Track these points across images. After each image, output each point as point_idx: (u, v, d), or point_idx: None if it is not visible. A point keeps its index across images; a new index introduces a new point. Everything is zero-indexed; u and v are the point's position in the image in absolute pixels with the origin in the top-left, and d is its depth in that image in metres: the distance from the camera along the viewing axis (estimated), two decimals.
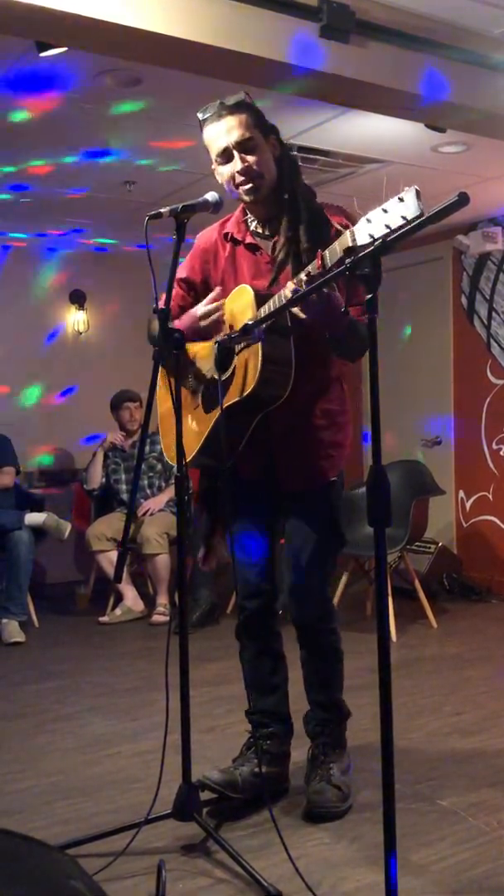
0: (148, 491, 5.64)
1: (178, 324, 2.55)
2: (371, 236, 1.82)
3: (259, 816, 2.55)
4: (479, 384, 5.99)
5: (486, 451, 5.97)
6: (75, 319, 6.69)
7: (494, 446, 5.90)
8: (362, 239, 1.86)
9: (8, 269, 6.40)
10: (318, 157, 4.42)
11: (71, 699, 3.86)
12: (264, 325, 2.33)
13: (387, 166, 4.60)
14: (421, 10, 3.13)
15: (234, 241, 2.60)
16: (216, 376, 2.48)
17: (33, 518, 5.23)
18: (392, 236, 1.76)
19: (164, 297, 2.35)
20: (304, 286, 2.14)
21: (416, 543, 5.61)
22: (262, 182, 2.46)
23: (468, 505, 6.12)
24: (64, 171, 4.59)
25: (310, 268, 2.15)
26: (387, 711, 1.76)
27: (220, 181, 2.52)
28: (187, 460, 2.62)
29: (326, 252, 2.09)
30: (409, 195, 1.72)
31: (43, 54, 3.00)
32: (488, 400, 5.93)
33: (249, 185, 2.45)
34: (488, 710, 3.51)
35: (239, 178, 2.45)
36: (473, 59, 3.34)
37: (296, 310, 2.24)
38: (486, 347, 5.93)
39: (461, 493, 6.16)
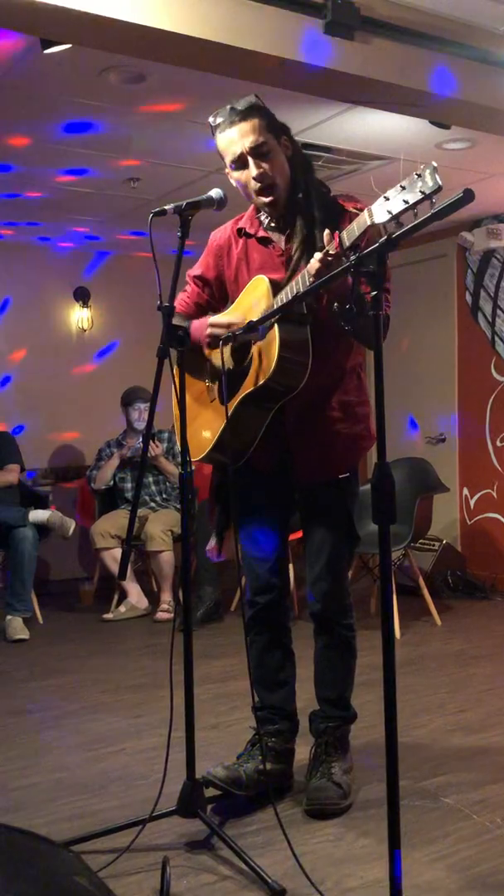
0: (153, 488, 5.64)
1: (194, 324, 2.58)
2: (389, 212, 1.81)
3: (263, 813, 2.55)
4: (483, 381, 5.98)
5: (490, 448, 5.96)
6: (79, 317, 6.69)
7: (499, 443, 5.90)
8: (380, 216, 1.85)
9: (10, 267, 6.40)
10: (321, 153, 4.41)
11: (75, 696, 3.86)
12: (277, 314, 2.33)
13: (391, 163, 4.59)
14: (426, 7, 3.12)
15: (247, 235, 2.60)
16: (231, 367, 2.49)
17: (37, 515, 5.24)
18: (410, 216, 1.74)
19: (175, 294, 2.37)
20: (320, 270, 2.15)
21: (420, 541, 5.61)
22: (278, 186, 2.45)
23: (472, 502, 6.11)
24: (68, 167, 4.59)
25: (329, 248, 2.15)
26: (391, 708, 1.76)
27: (234, 185, 2.52)
28: (203, 456, 2.63)
29: (344, 233, 2.09)
30: (427, 171, 1.71)
31: (47, 51, 2.99)
32: (493, 397, 5.92)
33: (266, 191, 2.45)
34: (492, 708, 3.51)
35: (255, 185, 2.44)
36: (478, 56, 3.33)
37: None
38: (491, 344, 5.92)
39: (465, 491, 6.16)
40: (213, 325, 2.50)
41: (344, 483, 2.62)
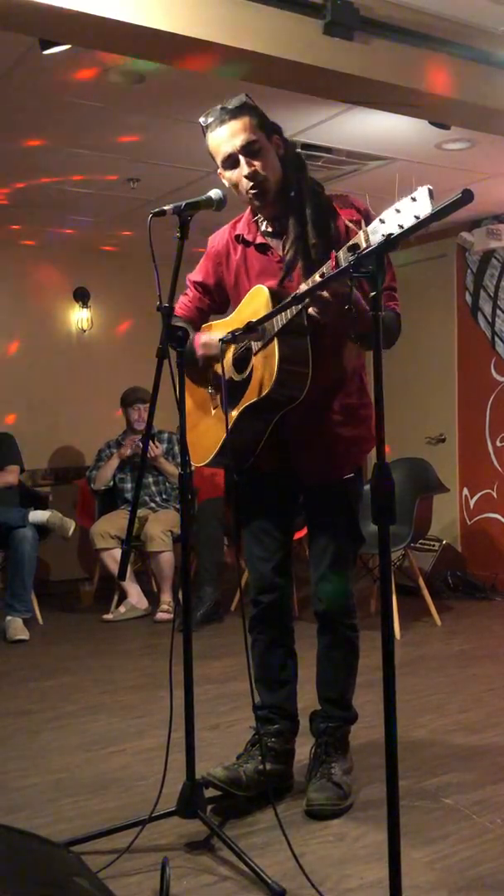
0: (153, 489, 5.64)
1: (199, 336, 2.61)
2: (384, 237, 1.82)
3: (263, 814, 2.55)
4: (483, 381, 5.98)
5: (490, 448, 5.96)
6: (79, 317, 6.69)
7: (499, 443, 5.90)
8: (376, 241, 1.85)
9: (11, 266, 6.40)
10: (321, 154, 4.41)
11: (75, 697, 3.86)
12: (280, 325, 2.33)
13: (391, 163, 4.59)
14: (425, 7, 3.12)
15: (245, 243, 2.58)
16: (233, 377, 2.49)
17: (37, 516, 5.24)
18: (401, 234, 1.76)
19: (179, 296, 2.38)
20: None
21: (420, 541, 5.60)
22: (269, 185, 2.44)
23: (472, 502, 6.11)
24: (68, 168, 4.59)
25: (324, 268, 2.15)
26: (391, 709, 1.76)
27: (226, 185, 2.50)
28: (207, 461, 2.63)
29: (340, 253, 2.08)
30: (421, 194, 1.71)
31: (46, 52, 2.99)
32: (492, 397, 5.92)
33: (257, 190, 2.43)
34: (493, 708, 3.51)
35: (246, 184, 2.42)
36: (478, 56, 3.33)
37: (313, 311, 2.23)
38: (490, 345, 5.92)
39: (465, 491, 6.16)
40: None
41: (348, 484, 2.62)
